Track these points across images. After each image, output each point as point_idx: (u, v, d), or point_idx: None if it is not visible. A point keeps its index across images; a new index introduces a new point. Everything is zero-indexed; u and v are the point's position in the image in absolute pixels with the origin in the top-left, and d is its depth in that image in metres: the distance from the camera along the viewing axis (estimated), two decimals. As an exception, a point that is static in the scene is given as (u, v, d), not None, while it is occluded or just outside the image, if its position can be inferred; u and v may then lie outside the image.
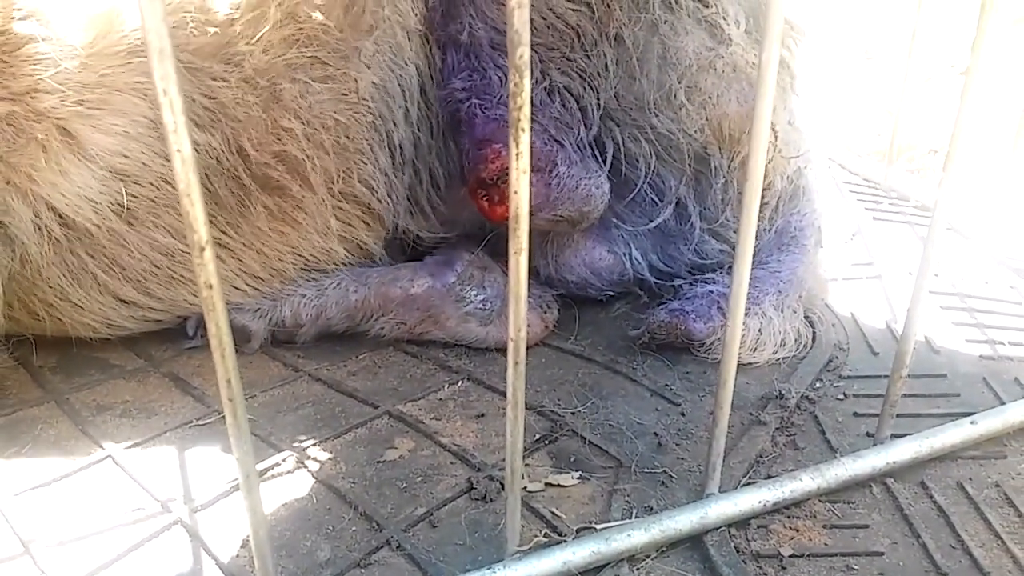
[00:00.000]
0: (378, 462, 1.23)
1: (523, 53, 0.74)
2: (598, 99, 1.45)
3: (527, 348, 1.56)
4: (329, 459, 1.24)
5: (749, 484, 1.14)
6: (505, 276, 1.60)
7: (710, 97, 1.44)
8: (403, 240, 1.66)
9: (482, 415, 1.35)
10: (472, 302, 1.55)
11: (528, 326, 1.51)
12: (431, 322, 1.56)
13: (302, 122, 1.43)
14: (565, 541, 1.04)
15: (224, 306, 0.75)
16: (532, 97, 1.44)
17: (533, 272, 1.61)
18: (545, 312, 1.57)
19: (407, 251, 1.69)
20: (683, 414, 1.34)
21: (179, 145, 0.67)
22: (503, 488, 1.17)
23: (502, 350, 1.54)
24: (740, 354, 1.24)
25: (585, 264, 1.58)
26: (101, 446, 1.28)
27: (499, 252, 1.63)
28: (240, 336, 1.54)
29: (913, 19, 2.07)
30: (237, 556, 1.05)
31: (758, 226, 1.51)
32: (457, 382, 1.44)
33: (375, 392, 1.41)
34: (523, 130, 0.77)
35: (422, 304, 1.55)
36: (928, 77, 3.05)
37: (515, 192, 0.81)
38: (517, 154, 0.79)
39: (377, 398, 1.39)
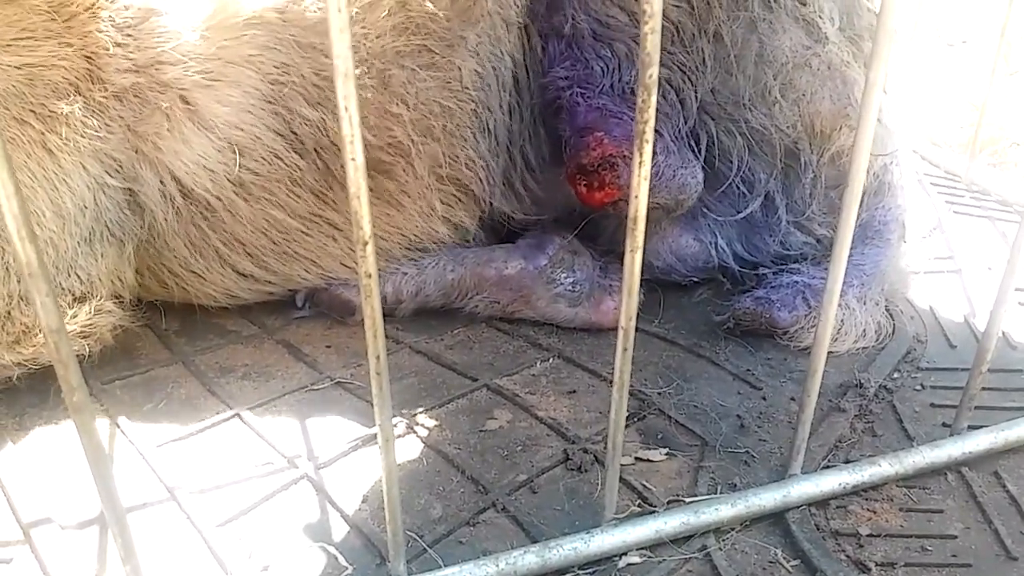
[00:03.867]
0: (480, 431, 1.33)
1: (652, 73, 0.82)
2: (696, 93, 1.51)
3: (610, 329, 1.66)
4: (435, 426, 1.35)
5: (829, 467, 1.21)
6: (594, 260, 1.69)
7: (804, 94, 1.49)
8: (497, 221, 1.75)
9: (574, 391, 1.44)
10: (562, 284, 1.64)
11: (615, 308, 1.61)
12: (522, 302, 1.65)
13: (409, 108, 1.52)
14: (657, 511, 1.14)
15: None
16: (634, 86, 1.52)
17: (622, 258, 1.68)
18: (632, 296, 1.65)
19: (500, 232, 1.78)
20: (764, 398, 1.41)
21: (354, 155, 0.77)
22: (597, 460, 1.26)
23: (589, 330, 1.63)
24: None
25: (671, 251, 1.65)
26: (228, 405, 1.41)
27: (588, 236, 1.71)
28: (345, 309, 1.66)
29: (1002, 12, 2.07)
30: (360, 509, 1.17)
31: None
32: (548, 359, 1.54)
33: (472, 366, 1.52)
34: (647, 141, 0.85)
35: (515, 284, 1.65)
36: (1014, 71, 3.01)
37: (635, 196, 0.89)
38: (640, 163, 0.87)
39: (475, 371, 1.49)
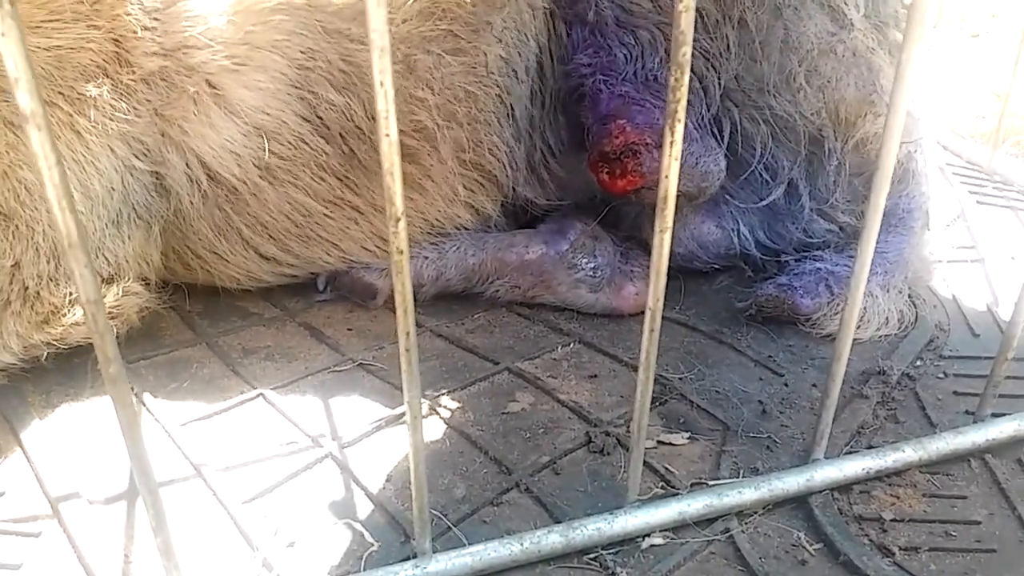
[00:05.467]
0: (502, 413, 1.34)
1: (686, 52, 0.82)
2: (719, 79, 1.50)
3: (631, 315, 1.66)
4: (458, 408, 1.35)
5: (852, 452, 1.22)
6: (615, 246, 1.69)
7: (829, 81, 1.49)
8: (519, 207, 1.76)
9: (595, 376, 1.44)
10: (583, 269, 1.64)
11: (636, 294, 1.61)
12: (543, 287, 1.66)
13: (434, 93, 1.53)
14: (680, 493, 1.14)
15: (410, 269, 0.86)
16: (656, 74, 1.52)
17: (642, 244, 1.69)
18: (653, 281, 1.65)
19: (521, 217, 1.79)
20: (786, 384, 1.41)
21: (388, 131, 0.77)
22: (619, 443, 1.27)
23: (610, 316, 1.63)
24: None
25: (693, 237, 1.65)
26: (252, 385, 1.42)
27: (609, 223, 1.72)
28: (366, 292, 1.67)
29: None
30: (383, 488, 1.18)
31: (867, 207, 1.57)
32: (569, 344, 1.54)
33: (493, 349, 1.52)
34: (679, 121, 0.86)
35: (536, 269, 1.65)
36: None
37: (665, 177, 0.89)
38: (671, 142, 0.87)
39: (496, 355, 1.50)
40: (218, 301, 1.67)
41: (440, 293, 1.67)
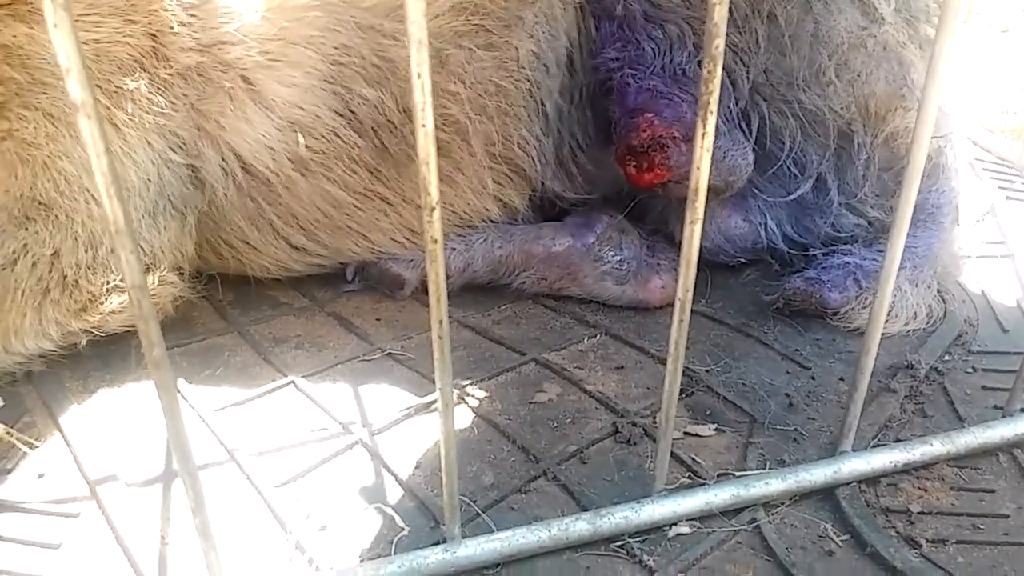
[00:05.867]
0: (530, 403, 1.36)
1: (719, 44, 0.83)
2: (748, 73, 1.51)
3: (657, 308, 1.66)
4: (485, 397, 1.37)
5: (880, 445, 1.22)
6: (641, 239, 1.70)
7: (859, 75, 1.49)
8: (546, 200, 1.77)
9: (622, 367, 1.45)
10: (609, 262, 1.65)
11: (662, 287, 1.62)
12: (569, 279, 1.67)
13: (466, 87, 1.54)
14: (707, 483, 1.15)
15: (443, 258, 0.87)
16: (685, 68, 1.52)
17: (669, 237, 1.70)
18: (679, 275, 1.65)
19: (547, 210, 1.80)
20: (813, 378, 1.42)
21: (424, 121, 0.79)
22: (646, 433, 1.28)
23: (635, 308, 1.64)
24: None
25: (720, 231, 1.66)
26: (283, 373, 1.44)
27: (636, 216, 1.72)
28: (394, 283, 1.69)
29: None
30: (413, 475, 1.20)
31: (896, 202, 1.56)
32: (595, 336, 1.55)
33: (520, 340, 1.54)
34: (711, 112, 0.86)
35: (562, 262, 1.66)
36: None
37: (697, 168, 0.90)
38: (703, 134, 0.88)
39: (523, 346, 1.51)
40: (249, 291, 1.70)
41: (467, 285, 1.69)
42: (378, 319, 1.62)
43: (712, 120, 0.87)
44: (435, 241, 0.86)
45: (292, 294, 1.72)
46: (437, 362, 0.93)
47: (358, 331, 1.58)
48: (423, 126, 0.79)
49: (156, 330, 0.80)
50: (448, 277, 1.68)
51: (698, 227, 0.94)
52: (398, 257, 1.69)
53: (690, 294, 0.99)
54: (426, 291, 1.70)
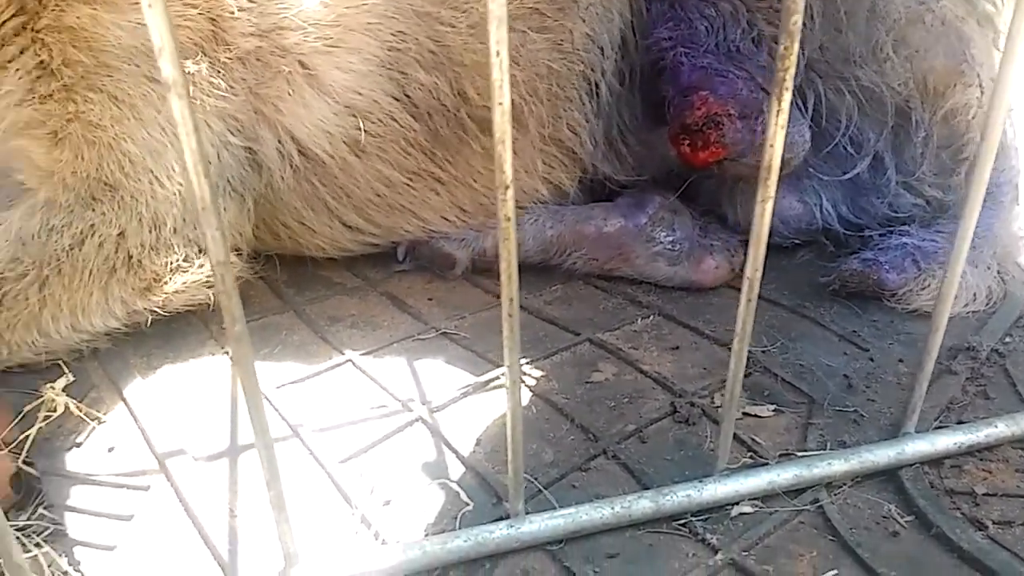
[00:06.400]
0: (586, 382, 1.36)
1: (796, 20, 0.82)
2: (803, 50, 1.49)
3: (710, 288, 1.66)
4: (542, 376, 1.38)
5: (943, 427, 1.21)
6: (693, 220, 1.69)
7: (917, 51, 1.46)
8: (597, 182, 1.77)
9: (677, 347, 1.45)
10: (661, 243, 1.65)
11: (715, 267, 1.61)
12: (621, 259, 1.67)
13: (520, 69, 1.55)
14: (769, 463, 1.15)
15: (516, 236, 0.88)
16: (739, 45, 1.51)
17: (721, 218, 1.69)
18: (732, 256, 1.64)
19: (597, 192, 1.80)
20: (872, 359, 1.40)
21: (501, 99, 0.79)
22: (704, 414, 1.28)
23: (687, 288, 1.64)
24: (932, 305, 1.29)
25: (774, 212, 1.64)
26: (340, 352, 1.46)
27: (688, 198, 1.71)
28: (445, 263, 1.70)
29: None
30: (474, 452, 1.21)
31: (954, 180, 1.54)
32: (649, 316, 1.55)
33: (573, 321, 1.54)
34: (787, 89, 0.86)
35: (614, 242, 1.66)
36: None
37: (771, 145, 0.89)
38: (778, 111, 0.87)
39: (576, 326, 1.52)
40: (303, 271, 1.72)
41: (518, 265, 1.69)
42: (430, 299, 1.64)
43: (787, 97, 0.86)
44: (508, 219, 0.86)
45: (345, 274, 1.74)
46: (506, 339, 0.94)
47: (411, 311, 1.59)
48: (500, 104, 0.79)
49: (238, 305, 0.82)
50: (497, 257, 1.69)
51: (769, 205, 0.94)
52: (449, 236, 1.70)
53: (759, 273, 0.99)
54: (476, 271, 1.73)
